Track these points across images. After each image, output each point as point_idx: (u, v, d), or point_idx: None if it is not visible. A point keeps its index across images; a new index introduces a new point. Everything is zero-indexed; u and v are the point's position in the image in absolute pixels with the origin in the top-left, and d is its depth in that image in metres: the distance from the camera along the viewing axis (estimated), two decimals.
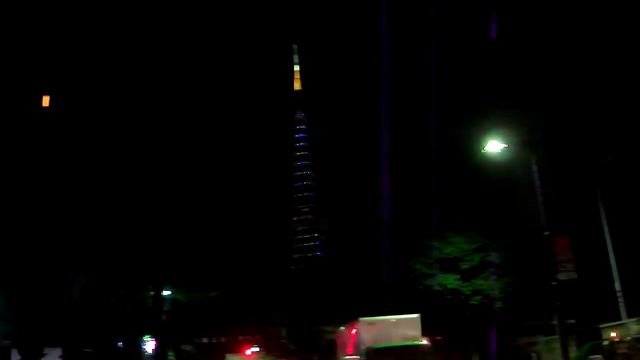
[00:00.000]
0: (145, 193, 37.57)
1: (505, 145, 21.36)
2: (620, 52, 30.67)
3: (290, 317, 76.53)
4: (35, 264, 31.07)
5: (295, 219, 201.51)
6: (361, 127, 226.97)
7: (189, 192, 43.27)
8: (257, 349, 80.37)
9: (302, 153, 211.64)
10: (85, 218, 33.45)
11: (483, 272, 34.20)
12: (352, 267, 51.92)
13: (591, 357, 24.40)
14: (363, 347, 28.06)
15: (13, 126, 33.31)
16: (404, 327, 29.27)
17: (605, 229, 29.37)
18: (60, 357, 32.99)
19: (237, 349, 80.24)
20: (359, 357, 29.03)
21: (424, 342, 28.42)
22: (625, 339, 24.42)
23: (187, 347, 60.53)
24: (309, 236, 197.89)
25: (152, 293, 39.38)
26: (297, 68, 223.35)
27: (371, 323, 29.65)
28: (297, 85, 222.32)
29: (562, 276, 19.65)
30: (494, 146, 21.43)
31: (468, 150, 29.41)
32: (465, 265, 34.80)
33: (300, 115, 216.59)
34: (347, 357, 32.70)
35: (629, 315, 28.34)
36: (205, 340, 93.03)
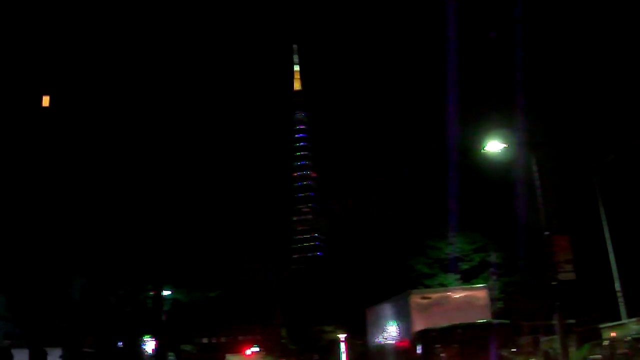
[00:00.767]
0: (145, 193, 37.58)
1: (505, 145, 21.33)
2: (620, 52, 30.71)
3: (290, 317, 76.60)
4: (35, 264, 31.04)
5: (295, 219, 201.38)
6: (361, 127, 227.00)
7: (189, 192, 43.37)
8: (257, 349, 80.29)
9: (302, 153, 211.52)
10: (85, 218, 33.45)
11: (483, 272, 34.27)
12: (352, 267, 52.00)
13: (591, 357, 24.37)
14: (414, 330, 22.17)
15: (13, 126, 33.28)
16: (469, 301, 23.21)
17: (605, 229, 29.37)
18: (60, 357, 32.97)
19: (237, 349, 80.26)
20: (400, 341, 23.81)
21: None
22: (626, 339, 24.38)
23: (187, 347, 60.60)
24: (309, 236, 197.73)
25: (152, 293, 39.36)
26: (297, 68, 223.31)
27: (425, 297, 23.46)
28: (297, 85, 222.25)
29: (560, 276, 19.59)
30: (494, 146, 21.40)
31: (468, 150, 29.49)
32: (465, 265, 34.86)
33: (300, 115, 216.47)
34: (381, 341, 27.30)
35: (629, 315, 28.32)
36: (205, 340, 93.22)
